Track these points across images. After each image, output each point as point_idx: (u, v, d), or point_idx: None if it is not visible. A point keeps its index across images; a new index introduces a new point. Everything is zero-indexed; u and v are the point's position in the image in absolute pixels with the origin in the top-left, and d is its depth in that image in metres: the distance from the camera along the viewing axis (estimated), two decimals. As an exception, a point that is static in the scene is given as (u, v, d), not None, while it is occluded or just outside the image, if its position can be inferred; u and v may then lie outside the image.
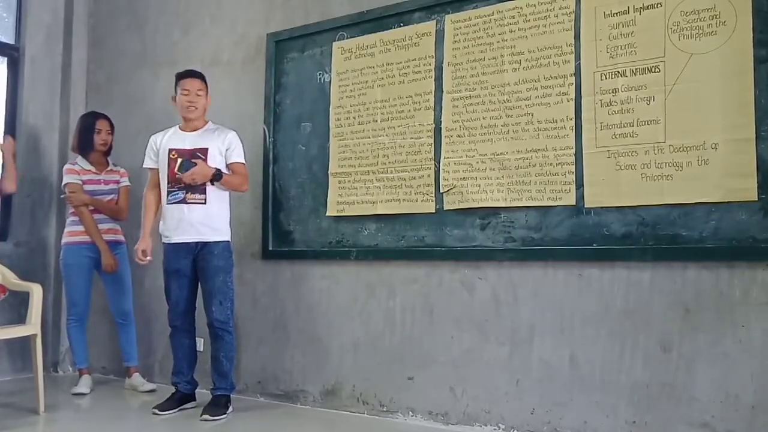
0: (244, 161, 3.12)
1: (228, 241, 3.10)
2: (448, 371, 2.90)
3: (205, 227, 3.01)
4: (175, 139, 3.09)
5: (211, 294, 3.02)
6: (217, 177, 2.99)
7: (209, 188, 3.01)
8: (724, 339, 2.37)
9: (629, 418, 2.50)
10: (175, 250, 3.03)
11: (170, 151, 3.05)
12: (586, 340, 2.61)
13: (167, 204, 3.04)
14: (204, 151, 3.03)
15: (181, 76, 3.13)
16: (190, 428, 2.91)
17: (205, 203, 3.01)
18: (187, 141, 3.07)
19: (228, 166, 3.07)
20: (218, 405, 2.98)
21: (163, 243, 3.10)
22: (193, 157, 3.02)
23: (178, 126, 3.16)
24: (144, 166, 3.20)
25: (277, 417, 3.10)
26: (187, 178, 2.98)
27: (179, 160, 3.02)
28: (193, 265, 3.05)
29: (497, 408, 2.77)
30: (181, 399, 3.12)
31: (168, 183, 3.04)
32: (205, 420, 2.91)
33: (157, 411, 3.04)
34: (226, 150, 3.07)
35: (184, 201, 3.01)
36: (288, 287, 3.41)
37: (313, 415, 3.13)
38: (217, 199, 3.04)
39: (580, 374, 2.61)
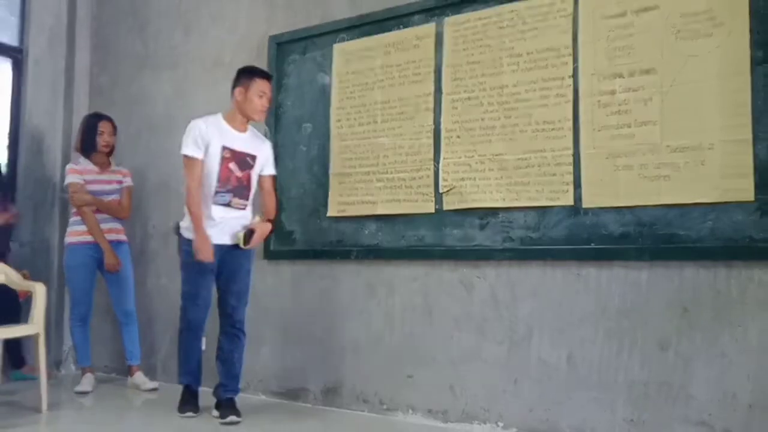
0: (275, 172, 3.16)
1: None
2: (448, 370, 2.92)
3: (243, 227, 2.97)
4: (227, 136, 2.92)
5: (239, 295, 3.00)
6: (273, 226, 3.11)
7: (251, 197, 3.02)
8: (721, 338, 2.38)
9: (627, 417, 2.52)
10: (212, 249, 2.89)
11: (224, 148, 2.89)
12: (584, 339, 2.63)
13: (212, 204, 2.91)
14: (254, 158, 2.98)
15: (260, 75, 2.96)
16: (192, 428, 2.94)
17: (245, 209, 3.01)
18: (239, 142, 2.95)
19: (261, 176, 3.05)
20: (235, 406, 2.96)
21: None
22: (243, 160, 2.94)
23: (222, 118, 2.96)
24: (192, 154, 2.86)
25: (278, 415, 3.12)
26: (256, 244, 2.99)
27: (243, 232, 2.92)
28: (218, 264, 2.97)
29: (496, 406, 2.79)
30: (197, 397, 3.09)
31: (218, 182, 2.89)
32: (233, 422, 2.87)
33: (192, 413, 3.02)
34: (265, 160, 3.06)
35: (229, 204, 2.94)
36: (289, 287, 3.44)
37: (313, 414, 3.15)
38: (251, 203, 3.06)
39: (578, 373, 2.63)
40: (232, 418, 2.89)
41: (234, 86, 2.97)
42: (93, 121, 3.74)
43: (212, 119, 2.95)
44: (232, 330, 3.00)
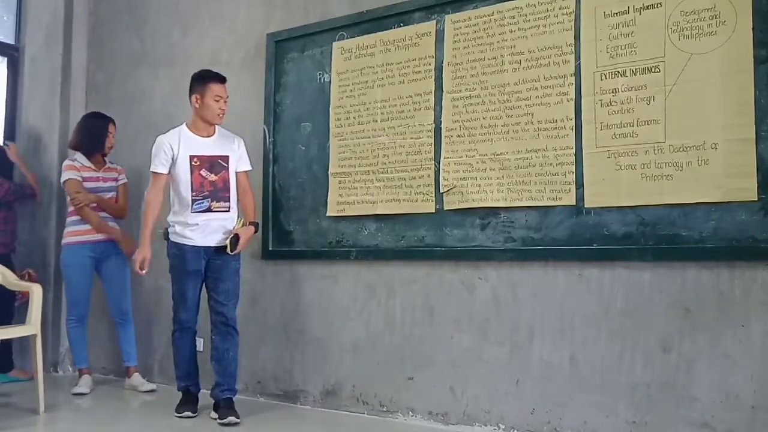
0: (251, 167, 3.18)
1: None
2: (448, 371, 2.90)
3: (227, 231, 3.02)
4: (192, 144, 3.01)
5: (228, 293, 3.03)
6: (256, 228, 3.12)
7: (233, 196, 3.05)
8: (724, 339, 2.37)
9: (629, 418, 2.50)
10: (196, 252, 2.98)
11: (192, 158, 2.99)
12: (587, 340, 2.61)
13: (191, 212, 2.98)
14: (225, 159, 3.04)
15: (212, 78, 3.01)
16: (190, 429, 2.92)
17: (228, 211, 3.04)
18: (205, 147, 3.03)
19: (236, 173, 3.08)
20: (233, 407, 2.96)
21: (182, 244, 3.00)
22: (214, 163, 3.01)
23: (186, 128, 3.05)
24: (155, 170, 3.01)
25: (276, 417, 3.10)
26: (243, 248, 3.02)
27: (229, 238, 2.97)
28: (205, 265, 3.04)
29: (497, 408, 2.77)
30: (197, 400, 3.11)
31: (192, 191, 2.97)
32: (232, 423, 2.87)
33: (190, 414, 3.04)
34: (238, 158, 3.09)
35: (209, 210, 3.00)
36: (288, 287, 3.42)
37: (312, 416, 3.13)
38: (235, 203, 3.09)
39: (580, 374, 2.61)
40: (231, 419, 2.88)
41: (190, 94, 3.03)
42: (102, 123, 3.72)
43: (175, 132, 3.04)
44: (224, 328, 3.02)
